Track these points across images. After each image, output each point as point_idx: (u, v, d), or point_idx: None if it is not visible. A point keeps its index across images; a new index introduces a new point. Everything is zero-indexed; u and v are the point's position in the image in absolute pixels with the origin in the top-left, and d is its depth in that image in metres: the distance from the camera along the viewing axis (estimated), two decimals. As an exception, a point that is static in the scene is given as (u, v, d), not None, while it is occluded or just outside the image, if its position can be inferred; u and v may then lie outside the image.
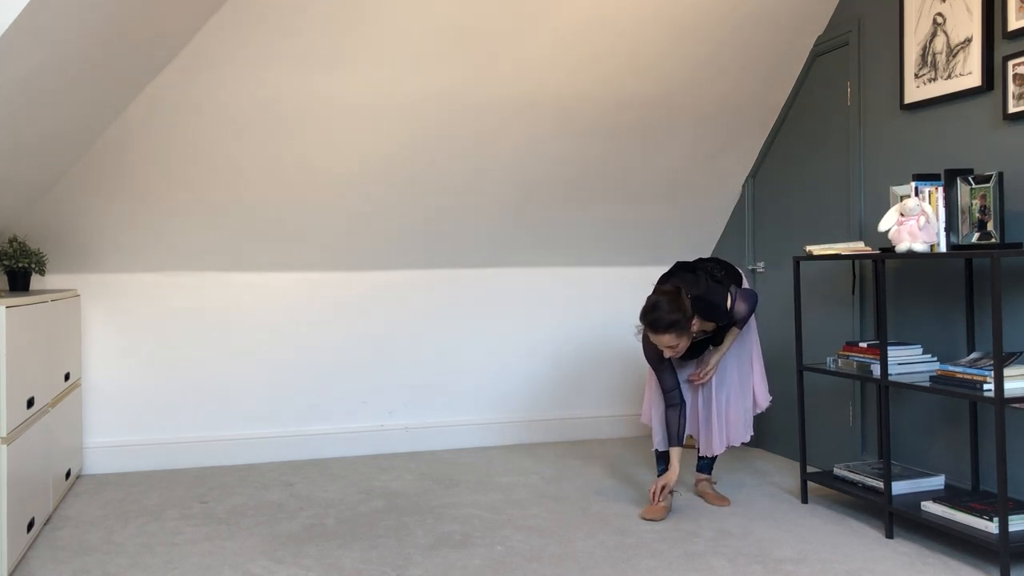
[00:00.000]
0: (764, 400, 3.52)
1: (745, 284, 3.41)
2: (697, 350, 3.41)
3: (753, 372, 3.51)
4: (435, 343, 4.62)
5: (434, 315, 4.61)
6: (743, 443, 3.51)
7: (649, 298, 3.19)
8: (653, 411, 3.51)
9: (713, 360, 3.41)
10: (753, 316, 3.52)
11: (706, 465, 3.59)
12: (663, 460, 3.47)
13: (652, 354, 3.32)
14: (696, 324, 3.20)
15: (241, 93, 3.63)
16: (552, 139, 4.14)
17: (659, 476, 3.44)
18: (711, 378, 3.44)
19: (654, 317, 3.12)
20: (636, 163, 4.36)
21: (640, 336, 3.30)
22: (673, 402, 3.34)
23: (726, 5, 3.77)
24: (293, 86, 3.65)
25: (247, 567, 2.84)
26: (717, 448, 3.46)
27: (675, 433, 3.33)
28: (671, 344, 3.14)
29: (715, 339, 3.39)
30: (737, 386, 3.47)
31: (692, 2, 3.73)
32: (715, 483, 3.73)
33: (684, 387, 3.50)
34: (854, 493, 3.22)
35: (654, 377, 3.49)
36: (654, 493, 3.34)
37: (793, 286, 3.54)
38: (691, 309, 3.13)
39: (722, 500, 3.48)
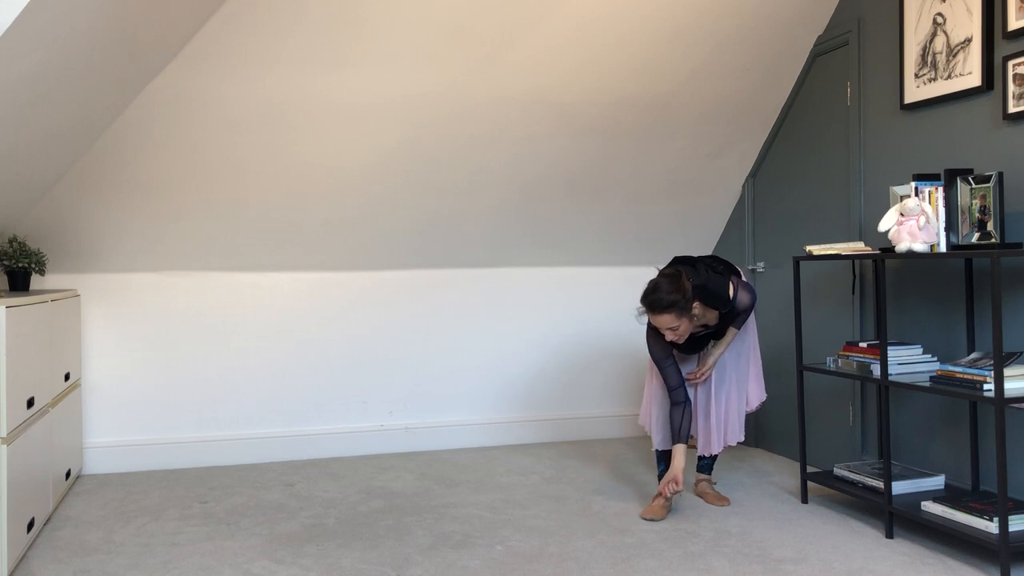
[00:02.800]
0: (757, 400, 3.53)
1: (744, 279, 3.42)
2: (699, 344, 3.41)
3: (750, 371, 3.52)
4: (435, 343, 4.62)
5: (435, 315, 4.61)
6: (739, 442, 3.52)
7: (650, 281, 3.20)
8: (652, 412, 3.51)
9: (710, 361, 3.41)
10: (753, 316, 3.52)
11: (706, 465, 3.60)
12: (663, 460, 3.47)
13: (657, 350, 3.31)
14: (698, 308, 3.18)
15: (241, 93, 3.63)
16: (552, 139, 4.14)
17: (659, 476, 3.45)
18: (707, 377, 3.45)
19: (654, 297, 3.12)
20: (636, 163, 4.36)
21: (641, 318, 3.27)
22: (677, 400, 3.31)
23: (726, 5, 3.78)
24: (293, 86, 3.65)
25: (247, 567, 2.84)
26: (716, 447, 3.46)
27: (677, 430, 3.30)
28: (672, 325, 3.13)
29: (717, 334, 3.39)
30: (735, 386, 3.48)
31: (692, 2, 3.73)
32: (715, 483, 3.73)
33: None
34: (854, 493, 3.22)
35: (654, 378, 3.49)
36: (662, 494, 3.33)
37: (793, 286, 3.54)
38: (691, 292, 3.13)
39: (722, 500, 3.48)
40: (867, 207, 3.71)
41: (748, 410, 3.53)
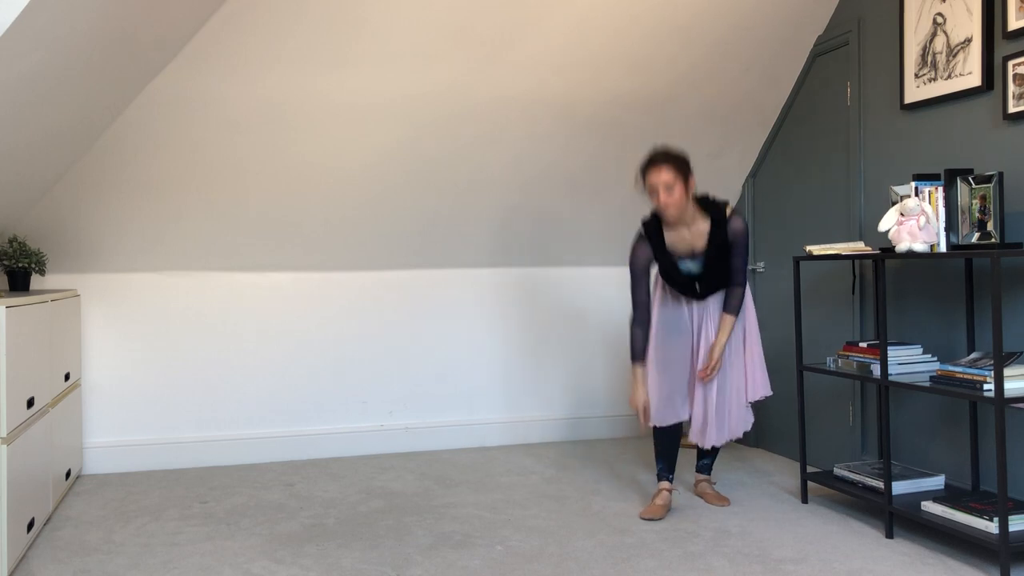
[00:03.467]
0: (762, 392, 3.41)
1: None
2: (687, 287, 3.33)
3: (753, 361, 3.42)
4: (436, 343, 4.62)
5: (434, 315, 4.61)
6: (745, 432, 3.42)
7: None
8: (651, 388, 3.41)
9: (716, 353, 3.35)
10: (752, 310, 3.46)
11: (706, 466, 3.59)
12: (661, 459, 3.44)
13: (639, 260, 3.34)
14: (691, 208, 3.24)
15: (241, 93, 3.63)
16: (552, 139, 4.15)
17: (659, 476, 3.43)
18: (719, 366, 3.36)
19: (657, 152, 3.23)
20: (636, 163, 4.36)
21: (639, 185, 3.31)
22: (642, 319, 3.37)
23: (726, 5, 3.78)
24: (293, 86, 3.65)
25: (247, 567, 2.84)
26: (715, 439, 3.38)
27: (640, 350, 3.37)
28: (668, 182, 3.17)
29: (706, 282, 3.30)
30: (738, 377, 3.40)
31: (692, 2, 3.73)
32: (715, 483, 3.72)
33: (686, 381, 3.43)
34: (854, 493, 3.22)
35: (651, 360, 3.42)
36: (642, 417, 3.36)
37: (793, 286, 3.54)
38: (690, 167, 3.23)
39: (722, 500, 3.48)
40: (867, 207, 3.71)
41: (756, 397, 3.41)
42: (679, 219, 3.26)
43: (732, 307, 3.34)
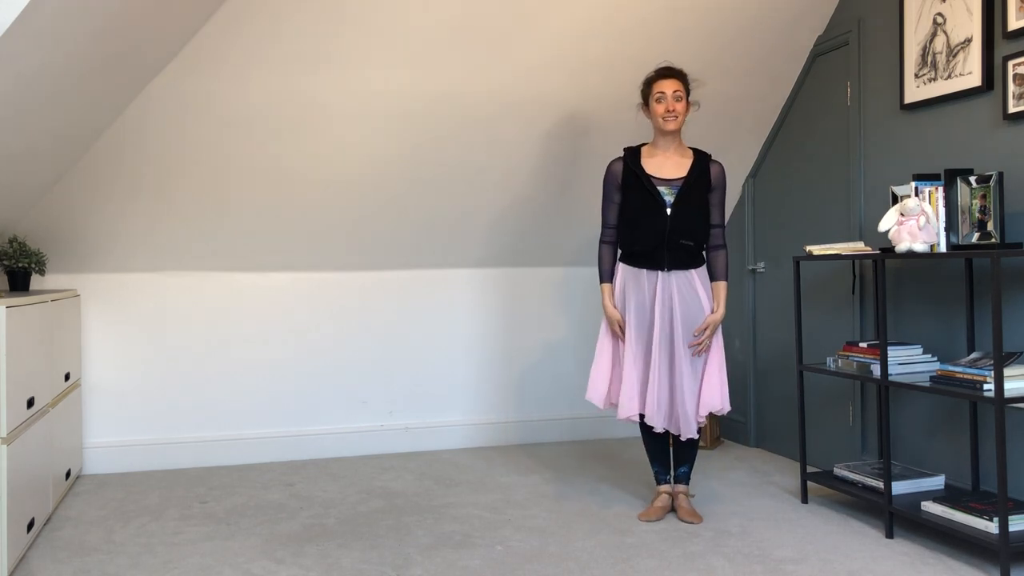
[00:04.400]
0: (722, 403, 3.27)
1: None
2: (658, 212, 3.24)
3: (714, 371, 3.27)
4: (436, 343, 4.62)
5: (435, 315, 4.61)
6: (726, 411, 3.29)
7: None
8: (605, 378, 3.36)
9: (719, 316, 3.23)
10: (719, 330, 3.33)
11: (684, 474, 3.39)
12: (655, 462, 3.40)
13: (611, 180, 3.36)
14: (680, 136, 3.35)
15: (240, 95, 3.63)
16: (550, 140, 4.14)
17: (656, 480, 3.41)
18: (709, 341, 3.25)
19: (666, 66, 3.37)
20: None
21: (642, 95, 3.40)
22: (609, 239, 3.41)
23: (726, 5, 3.78)
24: (292, 88, 3.65)
25: (247, 567, 2.84)
26: (687, 428, 3.23)
27: (607, 270, 3.40)
28: (675, 89, 3.28)
29: (676, 209, 3.23)
30: (700, 372, 3.28)
31: (692, 3, 3.73)
32: (693, 496, 3.55)
33: (644, 371, 3.30)
34: (854, 493, 3.22)
35: (604, 352, 3.39)
36: (618, 330, 3.33)
37: (793, 286, 3.55)
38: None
39: (695, 517, 3.26)
40: (867, 207, 3.71)
41: (703, 415, 3.26)
42: (674, 135, 3.32)
43: (721, 272, 3.33)
